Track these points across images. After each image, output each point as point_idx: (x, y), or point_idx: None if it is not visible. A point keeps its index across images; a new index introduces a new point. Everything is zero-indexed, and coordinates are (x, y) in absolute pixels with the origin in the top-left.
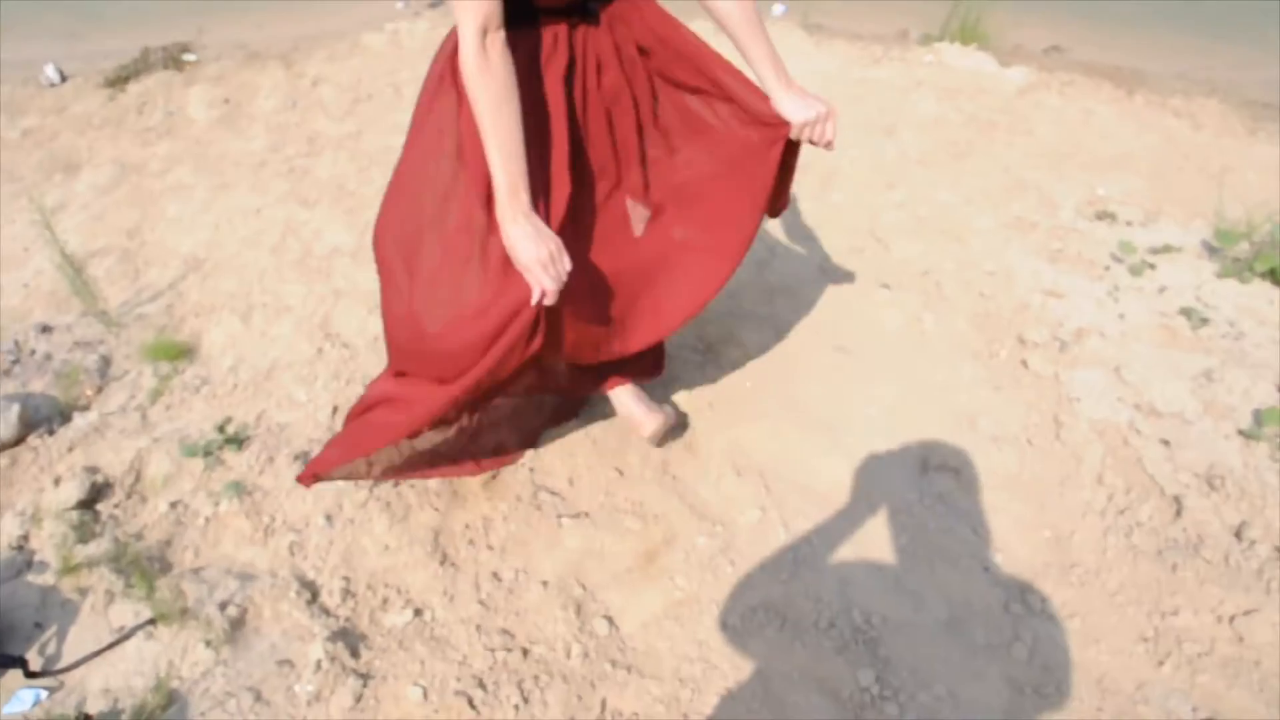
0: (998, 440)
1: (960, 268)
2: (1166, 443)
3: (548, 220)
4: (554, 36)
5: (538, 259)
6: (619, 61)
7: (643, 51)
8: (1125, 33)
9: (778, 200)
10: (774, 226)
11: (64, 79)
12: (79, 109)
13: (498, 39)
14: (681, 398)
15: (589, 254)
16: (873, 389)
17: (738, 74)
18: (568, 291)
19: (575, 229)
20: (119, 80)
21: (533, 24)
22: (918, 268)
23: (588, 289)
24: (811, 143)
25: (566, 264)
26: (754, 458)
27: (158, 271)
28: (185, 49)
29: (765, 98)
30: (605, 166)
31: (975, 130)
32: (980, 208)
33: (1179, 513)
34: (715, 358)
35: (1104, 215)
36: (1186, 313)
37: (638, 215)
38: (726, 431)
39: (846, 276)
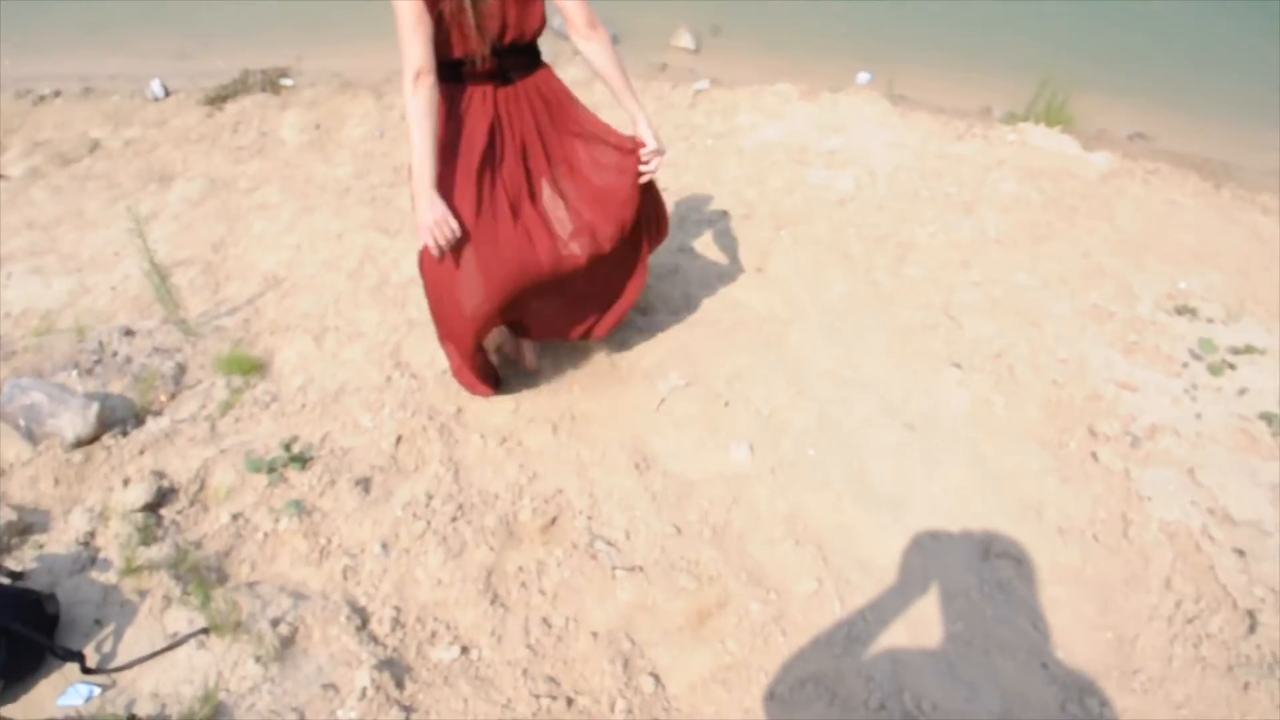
0: (1063, 533)
1: (1034, 352)
2: (1241, 553)
3: (453, 207)
4: (482, 94)
5: (432, 221)
6: (531, 113)
7: (545, 104)
8: (1214, 124)
9: (657, 226)
10: (843, 295)
11: (167, 94)
12: (178, 123)
13: (426, 81)
14: (744, 460)
15: (523, 246)
16: (939, 469)
17: (601, 124)
18: (500, 277)
19: (502, 229)
20: (218, 99)
21: (464, 84)
22: (991, 349)
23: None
24: (641, 165)
25: (453, 226)
26: (814, 527)
27: (238, 286)
28: (283, 74)
29: (620, 137)
30: (520, 185)
31: (1056, 214)
32: (1057, 293)
33: (1252, 628)
34: (781, 423)
35: (1184, 310)
36: (1267, 418)
37: (558, 221)
38: (788, 497)
39: (918, 352)
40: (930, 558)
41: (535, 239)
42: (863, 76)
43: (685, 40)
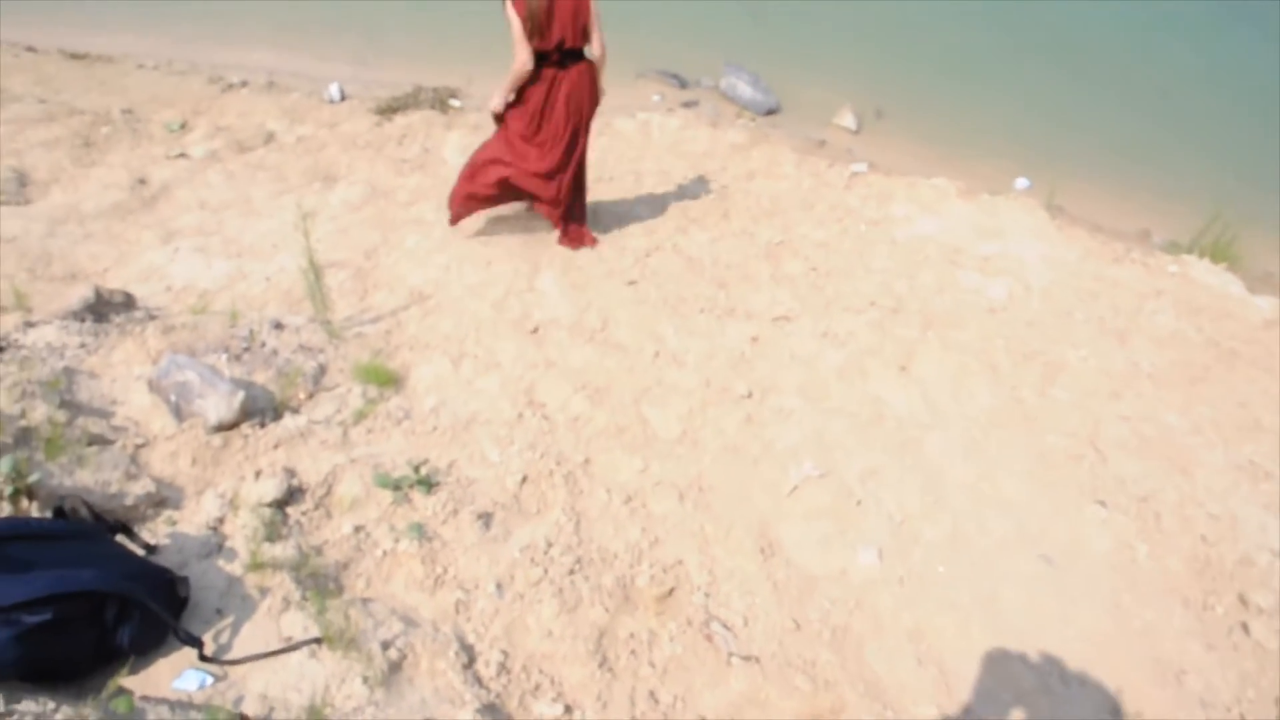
0: (1205, 705)
1: (1182, 502)
2: None
3: (514, 125)
4: (551, 74)
5: (495, 108)
6: (574, 82)
7: (584, 84)
8: None
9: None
10: (986, 408)
11: (343, 98)
12: (348, 128)
13: (529, 60)
14: (871, 564)
15: (554, 148)
16: (1074, 610)
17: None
18: (527, 161)
19: (544, 137)
20: (389, 110)
21: (541, 66)
22: (1136, 491)
23: (543, 165)
24: None
25: (498, 102)
26: (938, 648)
27: (384, 295)
28: (453, 94)
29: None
30: (566, 118)
31: (1214, 356)
32: (1210, 440)
33: None
34: (913, 532)
35: None
36: None
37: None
38: (914, 611)
39: (1061, 481)
40: (1059, 704)
41: (542, 167)
42: (1021, 182)
43: (848, 120)
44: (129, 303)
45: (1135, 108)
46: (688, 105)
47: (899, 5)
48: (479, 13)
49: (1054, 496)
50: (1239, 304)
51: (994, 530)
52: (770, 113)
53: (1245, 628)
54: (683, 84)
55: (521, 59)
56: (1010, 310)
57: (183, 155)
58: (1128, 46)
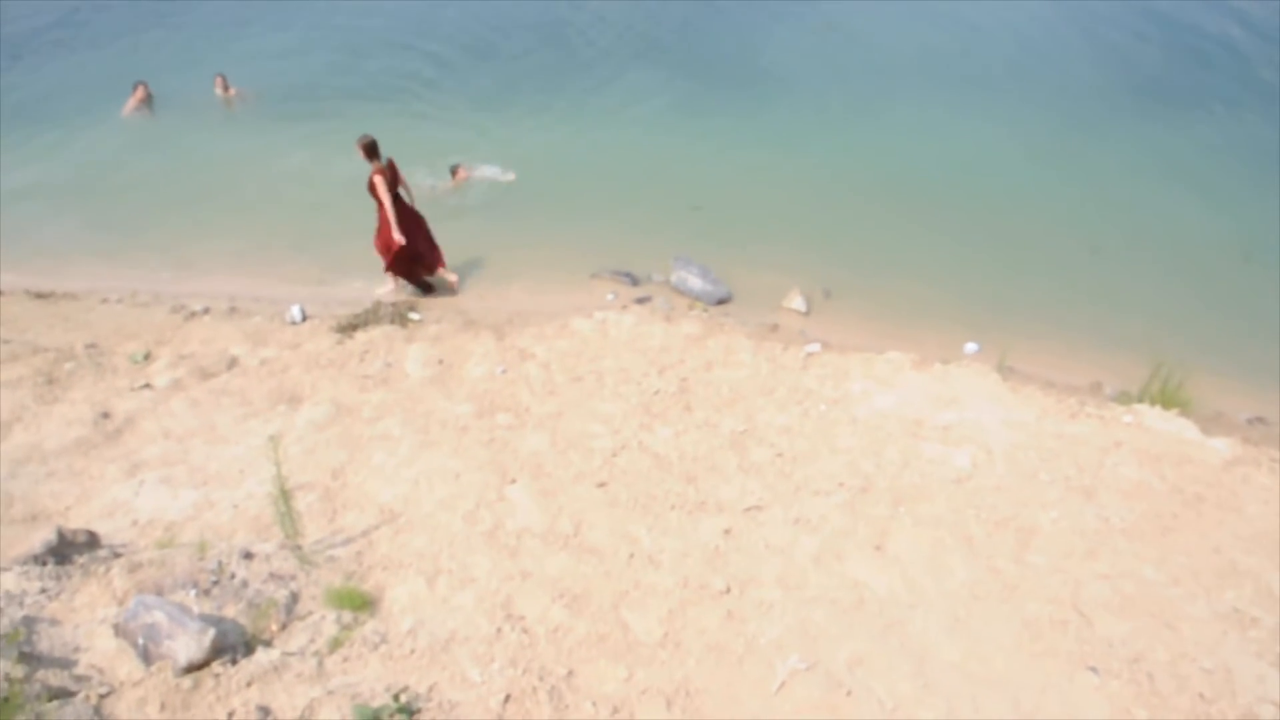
0: None
1: (1174, 659)
2: None
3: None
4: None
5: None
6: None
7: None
8: None
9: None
10: (965, 582)
11: (305, 318)
12: (311, 347)
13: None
14: None
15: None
16: None
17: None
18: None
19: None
20: (350, 327)
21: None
22: (1126, 652)
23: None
24: None
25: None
26: None
27: (354, 516)
28: (412, 308)
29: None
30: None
31: (1180, 502)
32: (1191, 591)
33: None
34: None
35: None
36: None
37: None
38: None
39: (1049, 650)
40: None
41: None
42: (970, 347)
43: (797, 302)
44: (93, 542)
45: (1069, 265)
46: (641, 301)
47: (835, 188)
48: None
49: (1044, 667)
50: (1196, 448)
51: (989, 710)
52: (722, 302)
53: None
54: (635, 281)
55: (388, 202)
56: (976, 478)
57: (147, 386)
58: (1053, 208)
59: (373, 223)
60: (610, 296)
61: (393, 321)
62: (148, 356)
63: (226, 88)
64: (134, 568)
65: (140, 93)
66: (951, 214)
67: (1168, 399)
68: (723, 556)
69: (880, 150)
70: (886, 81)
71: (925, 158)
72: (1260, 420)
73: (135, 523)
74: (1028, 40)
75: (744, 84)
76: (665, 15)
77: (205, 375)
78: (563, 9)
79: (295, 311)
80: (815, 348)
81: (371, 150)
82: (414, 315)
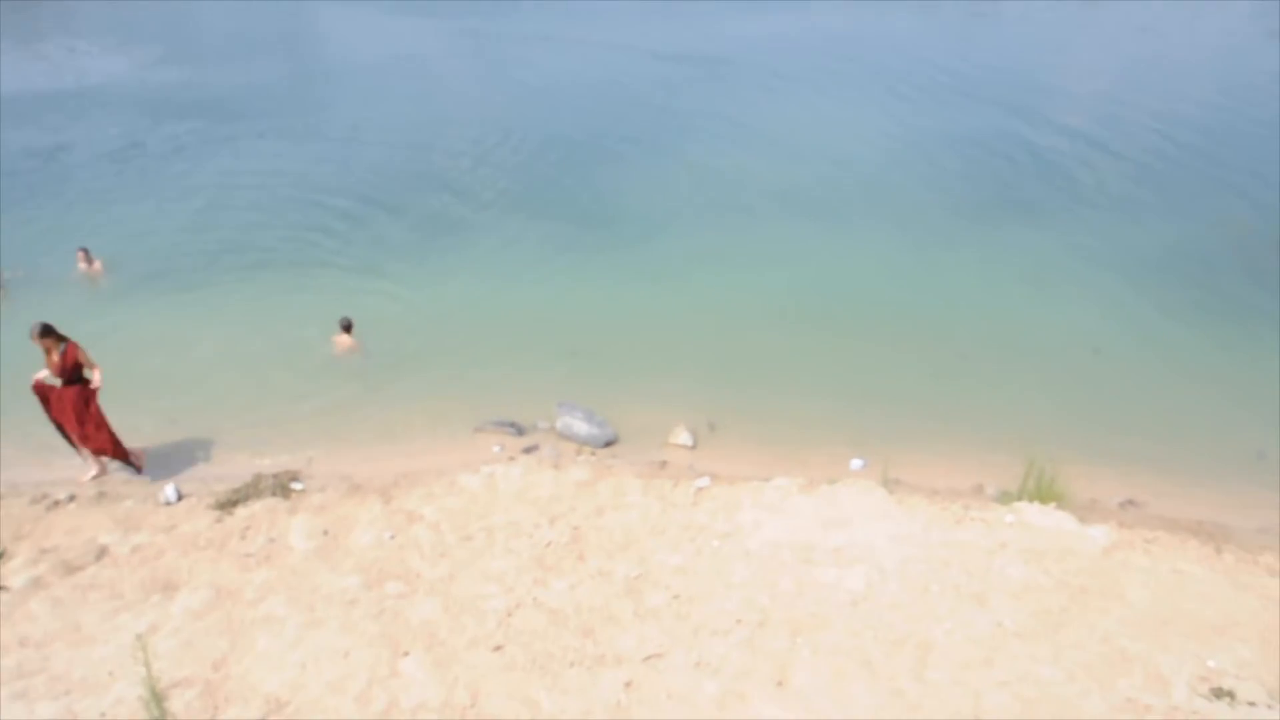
0: None
1: None
2: None
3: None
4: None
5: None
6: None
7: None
8: (1197, 486)
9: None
10: (870, 708)
11: (180, 498)
12: (187, 528)
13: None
14: None
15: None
16: None
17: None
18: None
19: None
20: (229, 503)
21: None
22: None
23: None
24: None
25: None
26: None
27: (238, 709)
28: (294, 477)
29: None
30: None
31: (1067, 596)
32: (1086, 686)
33: None
34: None
35: (1221, 693)
36: None
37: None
38: None
39: None
40: None
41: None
42: (855, 463)
43: (684, 437)
44: None
45: (941, 372)
46: (529, 451)
47: (711, 321)
48: (312, 394)
49: None
50: (1076, 538)
51: None
52: (609, 444)
53: None
54: (520, 431)
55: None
56: (871, 598)
57: (0, 589)
58: (920, 319)
59: (247, 393)
60: (497, 449)
61: (274, 493)
62: (2, 555)
63: (90, 261)
64: None
65: None
66: (826, 335)
67: (1044, 493)
68: (625, 711)
69: (752, 281)
70: (754, 216)
71: (797, 284)
72: (1131, 503)
73: None
74: (881, 168)
75: (615, 226)
76: (537, 164)
77: (70, 569)
78: (436, 160)
79: (170, 491)
80: (705, 481)
81: (47, 333)
82: (296, 485)
